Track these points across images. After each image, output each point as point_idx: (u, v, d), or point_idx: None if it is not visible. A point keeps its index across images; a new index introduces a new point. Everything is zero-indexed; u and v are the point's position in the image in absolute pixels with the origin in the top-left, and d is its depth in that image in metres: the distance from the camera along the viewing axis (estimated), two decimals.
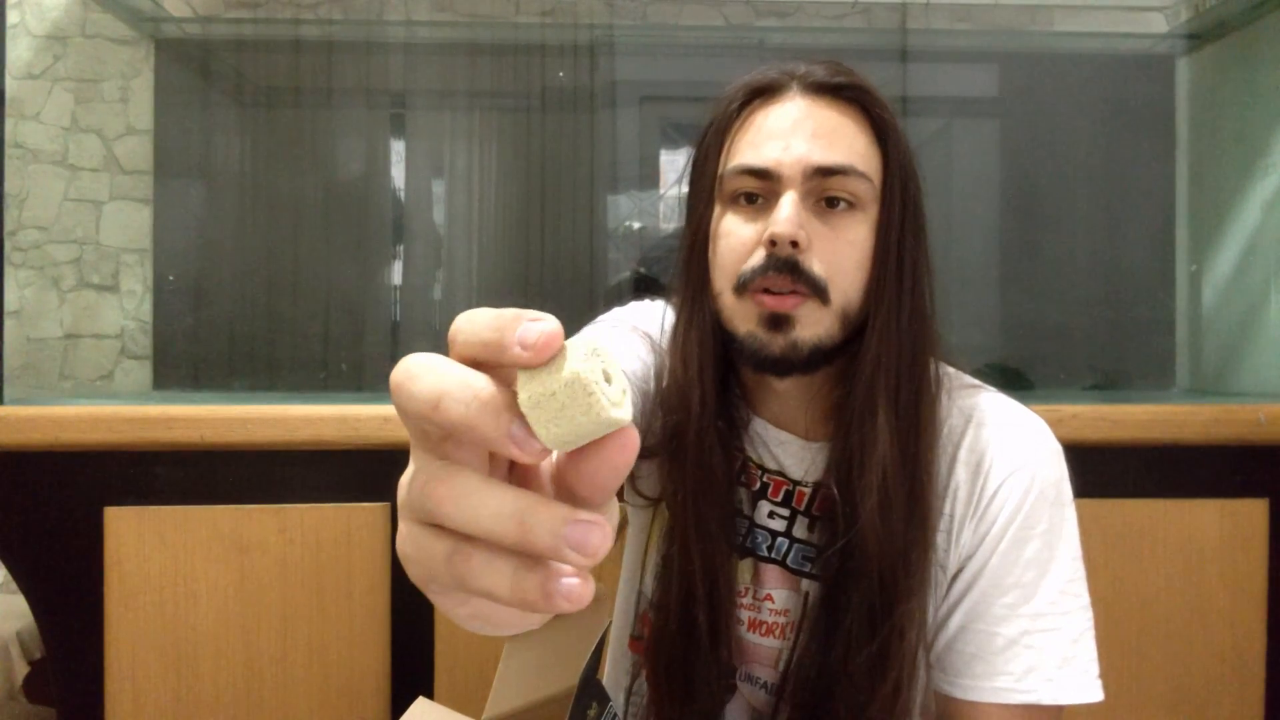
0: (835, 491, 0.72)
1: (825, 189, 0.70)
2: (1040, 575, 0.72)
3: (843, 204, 0.70)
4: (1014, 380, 1.96)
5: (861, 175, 0.70)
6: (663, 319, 0.80)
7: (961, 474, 0.74)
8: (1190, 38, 2.03)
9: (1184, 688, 1.24)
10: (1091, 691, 0.71)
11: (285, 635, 1.20)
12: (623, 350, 0.75)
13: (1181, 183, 2.10)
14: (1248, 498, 1.25)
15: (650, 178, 2.34)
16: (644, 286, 2.16)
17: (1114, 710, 1.23)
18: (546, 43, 2.30)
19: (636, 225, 2.31)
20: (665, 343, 0.78)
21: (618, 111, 2.28)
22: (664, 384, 0.76)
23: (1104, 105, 2.25)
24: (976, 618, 0.72)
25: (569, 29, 2.31)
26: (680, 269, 0.77)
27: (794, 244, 0.68)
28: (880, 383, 0.70)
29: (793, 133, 0.70)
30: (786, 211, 0.68)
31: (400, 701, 1.22)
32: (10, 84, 1.92)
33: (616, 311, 0.85)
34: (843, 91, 0.72)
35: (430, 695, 1.22)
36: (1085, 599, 0.73)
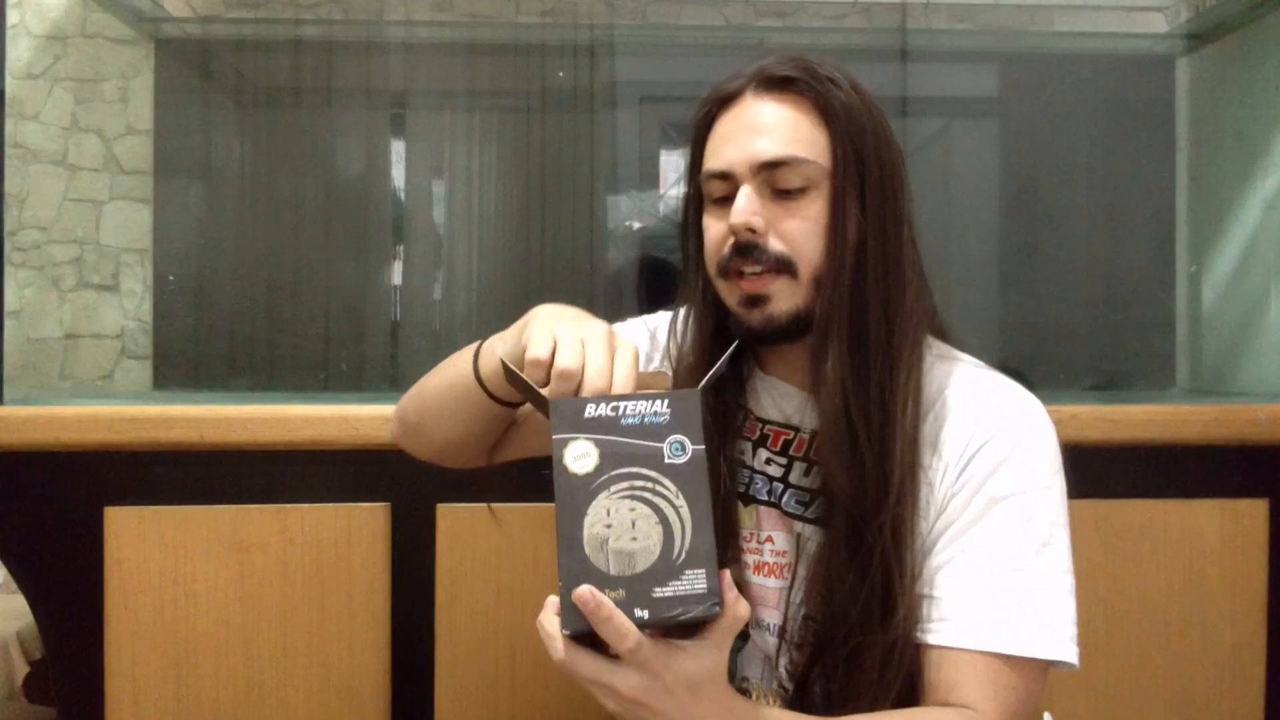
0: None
1: (775, 180, 0.77)
2: (1015, 532, 0.74)
3: (796, 189, 0.77)
4: (1014, 380, 1.96)
5: (805, 161, 0.76)
6: (673, 319, 0.88)
7: (948, 434, 0.77)
8: (1190, 38, 2.02)
9: (1184, 688, 1.24)
10: (1066, 651, 0.73)
11: (285, 635, 1.20)
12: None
13: (1181, 183, 2.10)
14: (1248, 498, 1.25)
15: (650, 178, 2.34)
16: (652, 270, 2.19)
17: (1114, 710, 1.23)
18: (546, 43, 2.31)
19: (636, 225, 2.31)
20: (675, 333, 0.87)
21: (617, 111, 2.28)
22: (673, 358, 0.86)
23: (1104, 105, 2.25)
24: (947, 566, 0.74)
25: (569, 29, 2.31)
26: (684, 258, 0.87)
27: (751, 230, 0.76)
28: (831, 333, 0.76)
29: (742, 133, 0.78)
30: (740, 203, 0.77)
31: (400, 702, 1.22)
32: (10, 84, 1.91)
33: (638, 318, 0.98)
34: (790, 84, 0.78)
35: (431, 696, 1.22)
36: (1064, 565, 0.75)
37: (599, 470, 0.59)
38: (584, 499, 0.59)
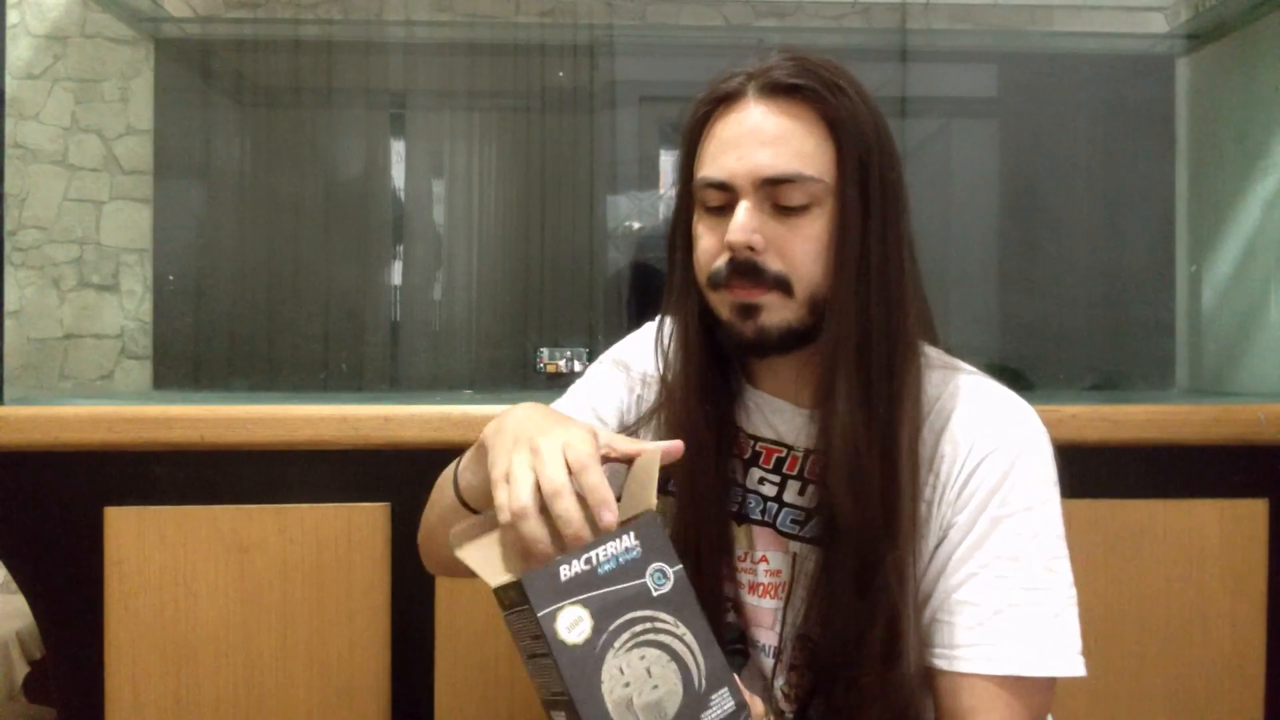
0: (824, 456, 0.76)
1: (776, 196, 0.73)
2: (1023, 550, 0.73)
3: (798, 206, 0.74)
4: (1014, 381, 1.96)
5: (810, 179, 0.73)
6: (659, 327, 0.85)
7: (946, 448, 0.75)
8: (1190, 38, 2.03)
9: (1184, 688, 1.24)
10: (1075, 666, 0.72)
11: (285, 635, 1.20)
12: (605, 391, 0.90)
13: (1181, 183, 2.10)
14: (1248, 498, 1.25)
15: (650, 178, 2.34)
16: (643, 275, 2.19)
17: (1114, 710, 1.23)
18: (546, 43, 2.31)
19: (636, 225, 2.31)
20: (660, 342, 0.84)
21: (617, 111, 2.28)
22: (660, 368, 0.83)
23: (1104, 105, 2.25)
24: (959, 590, 0.73)
25: (569, 29, 2.31)
26: (670, 262, 0.83)
27: (750, 248, 0.73)
28: (840, 357, 0.74)
29: (745, 142, 0.74)
30: (739, 220, 0.73)
31: (400, 702, 1.22)
32: (10, 84, 1.91)
33: (612, 350, 0.94)
34: (796, 92, 0.74)
35: (431, 695, 1.22)
36: (1069, 578, 0.74)
37: (597, 631, 0.57)
38: (593, 667, 0.56)
